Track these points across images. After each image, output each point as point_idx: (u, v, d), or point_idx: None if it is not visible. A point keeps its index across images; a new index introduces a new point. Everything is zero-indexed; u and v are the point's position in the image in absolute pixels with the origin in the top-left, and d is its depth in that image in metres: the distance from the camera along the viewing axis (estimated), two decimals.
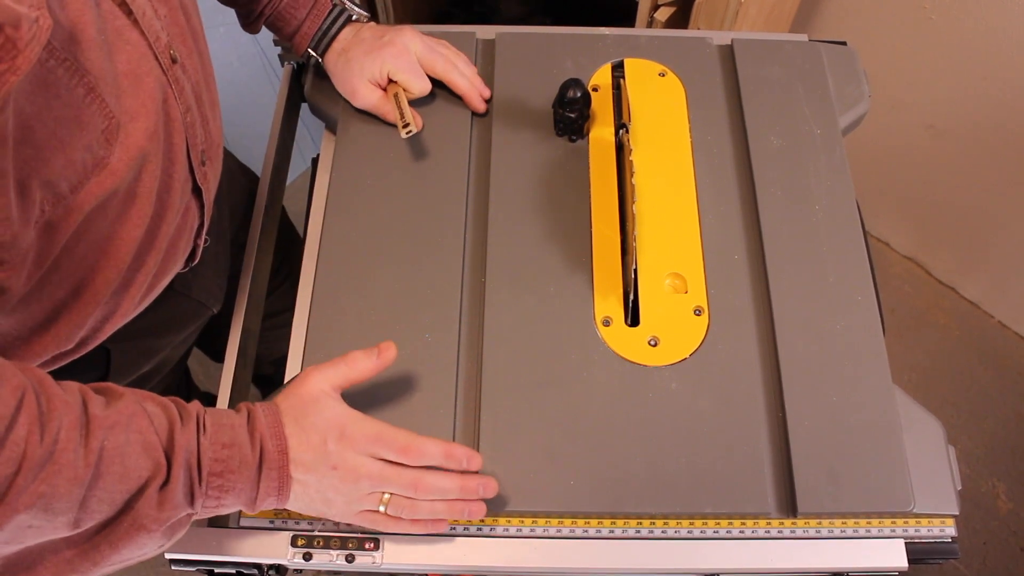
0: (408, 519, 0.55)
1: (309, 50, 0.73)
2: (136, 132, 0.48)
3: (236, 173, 0.84)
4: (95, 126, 0.44)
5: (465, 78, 0.73)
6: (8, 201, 0.40)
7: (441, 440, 0.55)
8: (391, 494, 0.54)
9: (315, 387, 0.54)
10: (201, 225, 0.64)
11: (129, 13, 0.47)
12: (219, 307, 0.79)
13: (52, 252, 0.47)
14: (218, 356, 1.06)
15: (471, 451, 0.56)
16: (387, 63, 0.70)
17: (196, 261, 0.67)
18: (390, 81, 0.71)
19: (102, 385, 0.48)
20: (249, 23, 0.72)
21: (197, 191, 0.60)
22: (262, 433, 0.50)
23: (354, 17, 0.73)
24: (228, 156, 0.82)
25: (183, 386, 0.92)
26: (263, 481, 0.50)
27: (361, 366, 0.56)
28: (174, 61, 0.52)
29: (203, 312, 0.77)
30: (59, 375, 0.46)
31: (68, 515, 0.42)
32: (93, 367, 0.64)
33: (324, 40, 0.72)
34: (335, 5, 0.73)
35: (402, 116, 0.69)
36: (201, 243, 0.65)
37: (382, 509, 0.54)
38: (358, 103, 0.72)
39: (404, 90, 0.71)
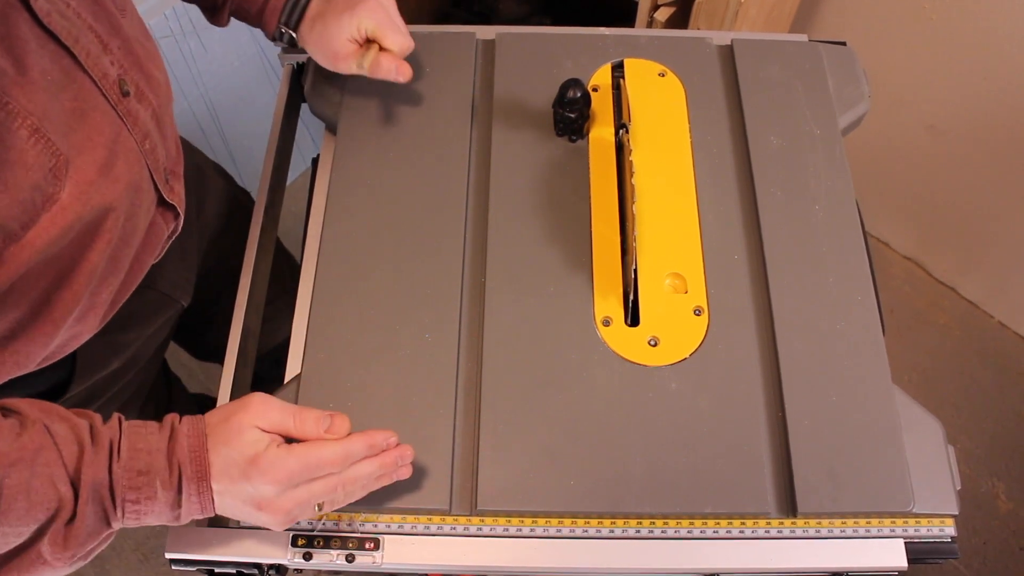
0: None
1: (281, 27, 0.69)
2: (85, 166, 0.48)
3: (204, 168, 0.83)
4: (41, 165, 0.44)
5: (401, 47, 0.68)
6: None
7: (359, 433, 0.54)
8: (322, 501, 0.53)
9: (247, 420, 0.51)
10: (172, 234, 0.63)
11: (71, 54, 0.47)
12: (188, 300, 0.78)
13: (4, 282, 0.46)
14: (201, 354, 1.05)
15: (388, 432, 0.55)
16: (364, 19, 0.66)
17: (159, 258, 0.66)
18: (368, 41, 0.68)
19: (14, 404, 0.47)
20: (214, 16, 0.71)
21: (165, 204, 0.60)
22: (180, 459, 0.49)
23: None
24: (195, 152, 0.82)
25: (160, 381, 0.91)
26: (184, 503, 0.49)
27: (307, 428, 0.53)
28: (125, 94, 0.52)
29: (170, 305, 0.76)
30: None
31: None
32: (59, 365, 0.63)
33: (296, 11, 0.69)
34: None
35: (361, 58, 0.66)
36: (167, 246, 0.65)
37: (319, 511, 0.53)
38: (341, 66, 0.68)
39: (381, 49, 0.68)
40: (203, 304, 0.84)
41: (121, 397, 0.76)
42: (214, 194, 0.83)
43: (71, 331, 0.56)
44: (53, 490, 0.45)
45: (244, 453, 0.50)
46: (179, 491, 0.49)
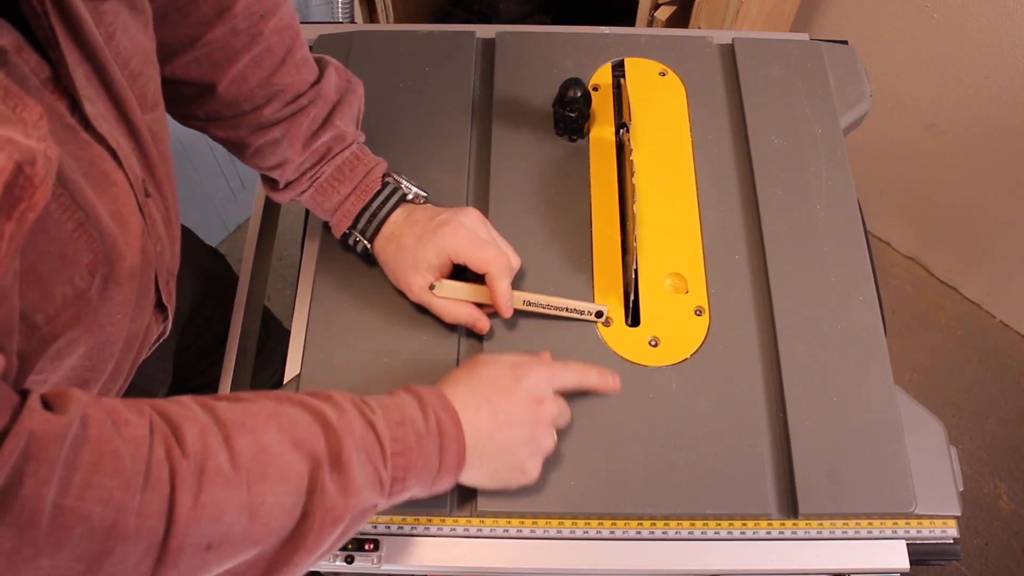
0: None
1: (355, 232, 0.63)
2: (122, 270, 0.46)
3: (186, 249, 0.78)
4: (80, 260, 0.43)
5: (485, 264, 0.60)
6: None
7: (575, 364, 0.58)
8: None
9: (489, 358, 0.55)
10: (160, 336, 0.60)
11: (115, 156, 0.46)
12: (166, 389, 0.76)
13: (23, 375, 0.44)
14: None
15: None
16: (444, 244, 0.59)
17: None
18: (458, 273, 0.62)
19: (231, 396, 0.46)
20: (276, 190, 0.65)
21: (159, 306, 0.57)
22: (433, 406, 0.49)
23: (409, 196, 0.64)
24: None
25: None
26: (444, 454, 0.49)
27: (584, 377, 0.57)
28: (147, 195, 0.51)
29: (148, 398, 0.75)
30: None
31: (239, 526, 0.40)
32: None
33: (374, 221, 0.62)
34: (387, 183, 0.63)
35: (573, 310, 0.62)
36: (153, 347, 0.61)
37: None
38: (415, 297, 0.62)
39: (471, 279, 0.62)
40: (181, 380, 0.82)
41: None
42: (188, 275, 0.78)
43: None
44: (300, 453, 0.43)
45: (505, 363, 0.54)
46: (440, 440, 0.48)
